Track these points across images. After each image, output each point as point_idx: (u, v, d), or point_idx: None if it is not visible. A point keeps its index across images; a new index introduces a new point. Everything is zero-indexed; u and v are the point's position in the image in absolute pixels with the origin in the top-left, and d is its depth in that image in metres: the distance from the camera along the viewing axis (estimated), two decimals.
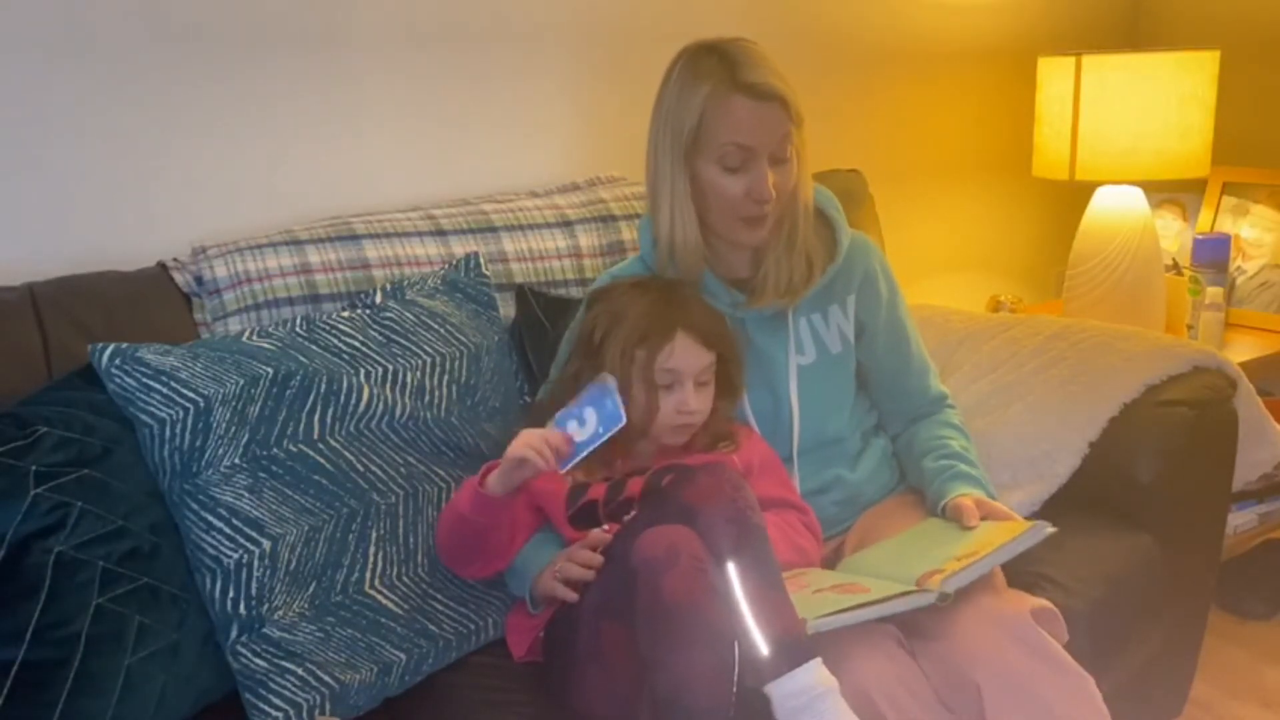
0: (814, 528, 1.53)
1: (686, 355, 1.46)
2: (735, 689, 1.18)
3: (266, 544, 1.35)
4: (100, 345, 1.38)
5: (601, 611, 1.30)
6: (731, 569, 1.22)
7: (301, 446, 1.41)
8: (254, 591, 1.34)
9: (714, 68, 1.48)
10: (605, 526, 1.42)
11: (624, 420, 1.35)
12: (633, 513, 1.38)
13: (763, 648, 1.18)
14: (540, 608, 1.42)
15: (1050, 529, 1.41)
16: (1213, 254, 2.50)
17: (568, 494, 1.46)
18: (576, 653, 1.33)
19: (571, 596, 1.35)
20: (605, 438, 1.35)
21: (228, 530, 1.35)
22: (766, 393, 1.60)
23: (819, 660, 1.19)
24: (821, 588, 1.34)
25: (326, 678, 1.34)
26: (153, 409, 1.36)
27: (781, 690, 1.17)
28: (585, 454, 1.35)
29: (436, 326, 1.59)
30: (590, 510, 1.43)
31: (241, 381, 1.40)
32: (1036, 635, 1.33)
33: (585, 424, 1.36)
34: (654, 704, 1.19)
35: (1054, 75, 2.39)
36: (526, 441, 1.33)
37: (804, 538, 1.50)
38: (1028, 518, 1.65)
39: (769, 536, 1.27)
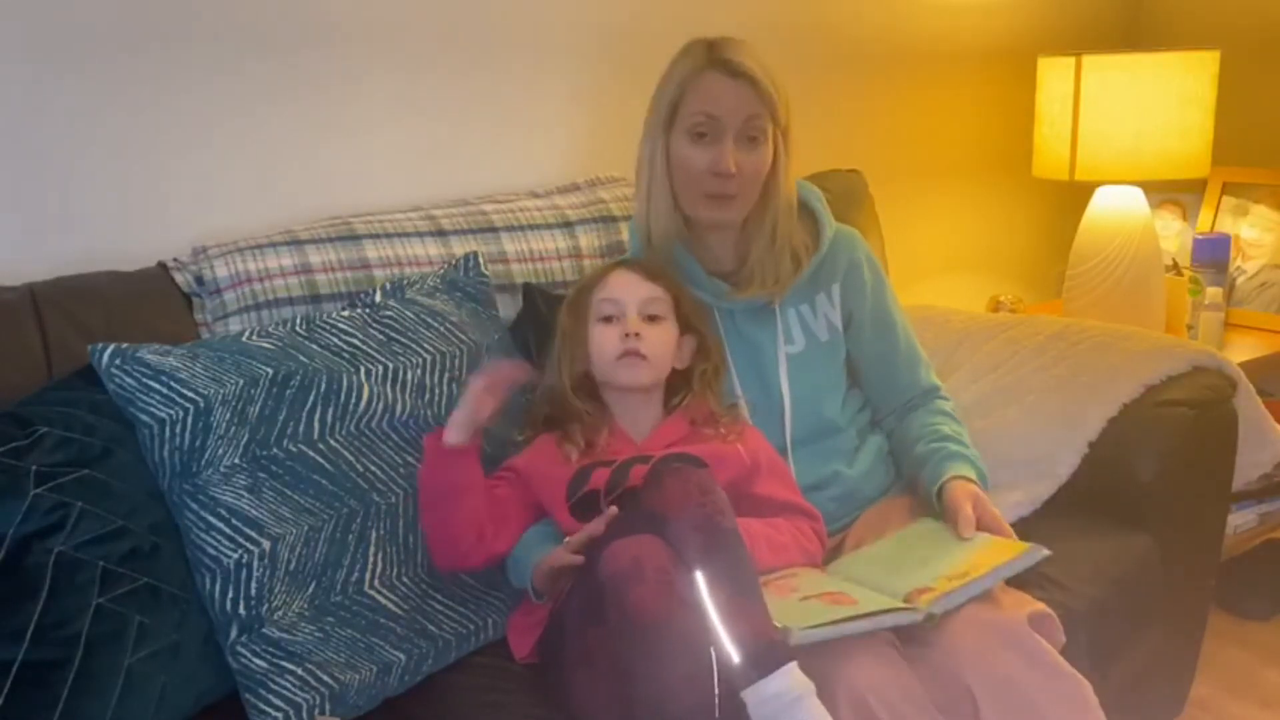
0: (822, 535, 1.53)
1: (624, 285, 1.52)
2: (718, 692, 1.17)
3: (266, 544, 1.35)
4: (100, 345, 1.38)
5: (585, 619, 1.30)
6: (699, 577, 1.21)
7: (301, 446, 1.41)
8: (254, 591, 1.34)
9: (699, 52, 1.57)
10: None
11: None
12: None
13: (734, 655, 1.17)
14: (544, 596, 1.41)
15: (1046, 553, 1.41)
16: (1213, 254, 2.50)
17: (569, 483, 1.46)
18: (568, 658, 1.33)
19: (578, 560, 1.33)
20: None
21: (227, 530, 1.35)
22: (757, 383, 1.62)
23: (794, 664, 1.18)
24: (810, 595, 1.34)
25: (326, 678, 1.34)
26: (153, 409, 1.36)
27: (755, 697, 1.16)
28: None
29: (436, 325, 1.59)
30: (591, 500, 1.43)
31: (241, 381, 1.40)
32: (1031, 641, 1.33)
33: None
34: (641, 710, 1.19)
35: (1054, 75, 2.38)
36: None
37: (814, 545, 1.50)
38: (1027, 517, 1.66)
39: (741, 538, 1.25)
